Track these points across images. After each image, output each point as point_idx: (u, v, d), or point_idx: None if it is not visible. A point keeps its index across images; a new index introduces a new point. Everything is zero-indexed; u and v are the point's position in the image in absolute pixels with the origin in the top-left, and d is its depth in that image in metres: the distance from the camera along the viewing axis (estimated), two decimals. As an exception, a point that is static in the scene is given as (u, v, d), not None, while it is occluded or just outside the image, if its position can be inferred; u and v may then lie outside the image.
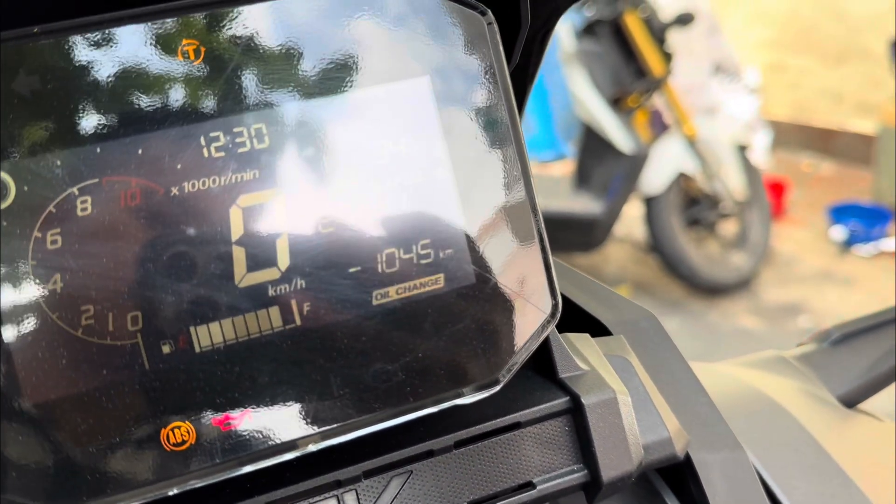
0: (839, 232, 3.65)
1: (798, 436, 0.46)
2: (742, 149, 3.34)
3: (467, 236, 0.34)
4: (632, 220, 3.49)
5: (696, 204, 3.26)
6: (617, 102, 3.19)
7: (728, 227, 3.36)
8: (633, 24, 3.12)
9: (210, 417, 0.31)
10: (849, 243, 3.60)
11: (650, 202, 3.15)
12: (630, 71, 3.17)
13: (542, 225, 0.35)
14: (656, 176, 3.12)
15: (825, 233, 3.73)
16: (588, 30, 3.21)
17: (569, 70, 3.25)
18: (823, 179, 4.44)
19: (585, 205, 3.17)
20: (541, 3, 0.39)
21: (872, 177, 4.01)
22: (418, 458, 0.35)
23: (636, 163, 3.10)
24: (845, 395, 0.54)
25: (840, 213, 3.73)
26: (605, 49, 3.18)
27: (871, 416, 0.54)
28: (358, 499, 0.35)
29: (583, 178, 3.32)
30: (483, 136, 0.35)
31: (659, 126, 3.20)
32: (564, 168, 3.78)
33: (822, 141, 4.73)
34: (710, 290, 3.21)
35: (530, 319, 0.35)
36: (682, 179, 3.20)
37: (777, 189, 3.91)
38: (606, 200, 3.15)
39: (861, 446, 0.49)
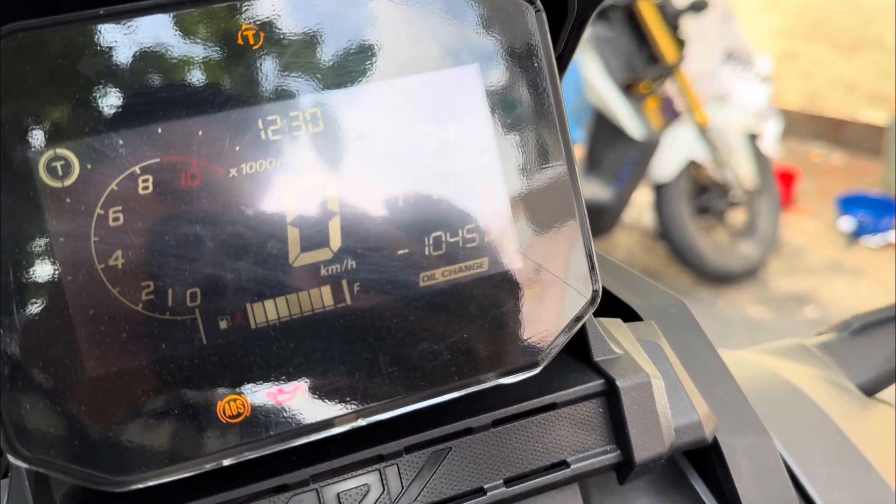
0: (848, 223, 3.65)
1: (820, 422, 0.47)
2: (753, 137, 3.33)
3: (512, 221, 0.35)
4: (641, 206, 3.49)
5: (705, 192, 3.26)
6: (629, 88, 3.18)
7: (737, 216, 3.36)
8: (647, 10, 3.11)
9: (264, 391, 0.32)
10: (857, 234, 3.60)
11: (660, 189, 3.15)
12: (643, 57, 3.16)
13: (585, 213, 0.36)
14: (667, 163, 3.12)
15: (834, 223, 3.72)
16: (601, 15, 3.20)
17: (581, 55, 3.24)
18: (833, 170, 4.43)
19: (595, 190, 3.17)
20: (584, -8, 0.40)
21: (882, 168, 4.00)
22: (457, 436, 0.36)
23: (647, 149, 3.09)
24: (864, 383, 0.55)
25: (849, 204, 3.73)
26: (618, 34, 3.17)
27: (889, 404, 0.55)
28: (399, 473, 0.36)
29: (593, 164, 3.32)
30: (529, 124, 0.36)
31: (670, 113, 3.19)
32: (575, 153, 3.77)
33: (833, 131, 4.72)
34: (718, 278, 3.21)
35: (571, 304, 0.36)
36: (692, 167, 3.20)
37: (787, 178, 3.90)
38: (616, 186, 3.15)
39: (880, 434, 0.50)
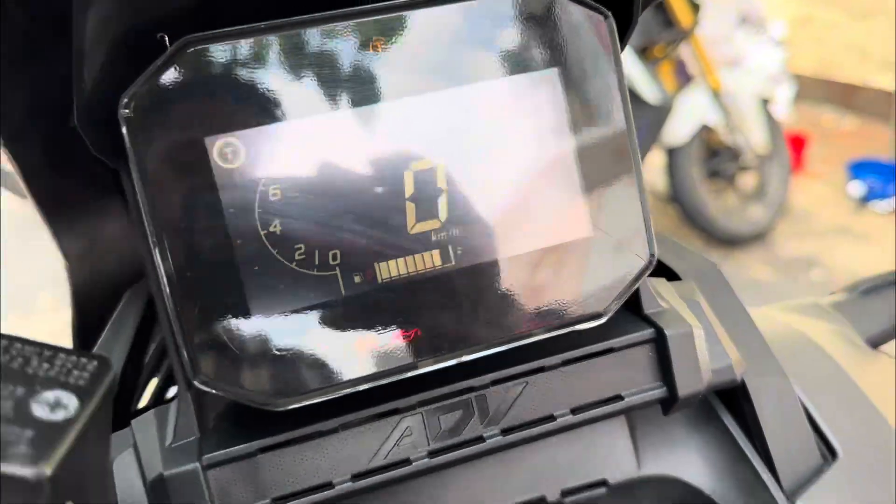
0: (857, 188, 3.70)
1: (832, 369, 0.55)
2: (765, 102, 3.37)
3: (586, 199, 0.43)
4: (654, 170, 3.55)
5: (717, 156, 3.31)
6: (643, 52, 3.21)
7: (747, 180, 3.41)
8: (663, -26, 3.12)
9: (390, 332, 0.40)
10: (866, 199, 3.65)
11: (672, 153, 3.20)
12: (658, 21, 3.18)
13: (645, 189, 0.43)
14: (680, 127, 3.17)
15: (843, 188, 3.78)
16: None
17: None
18: (844, 134, 4.47)
19: (608, 154, 3.22)
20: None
21: (892, 134, 4.04)
22: (533, 373, 0.44)
23: (661, 113, 3.13)
24: (871, 337, 0.62)
25: (859, 169, 3.77)
26: (634, -2, 3.18)
27: (891, 356, 0.63)
28: (487, 402, 0.44)
29: (607, 128, 3.35)
30: (601, 118, 0.43)
31: (684, 77, 3.22)
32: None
33: (845, 96, 4.74)
34: (727, 241, 3.28)
35: (631, 266, 0.44)
36: (705, 131, 3.24)
37: (798, 143, 3.95)
38: (630, 150, 3.20)
39: (883, 381, 0.58)
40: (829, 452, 0.50)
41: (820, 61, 4.91)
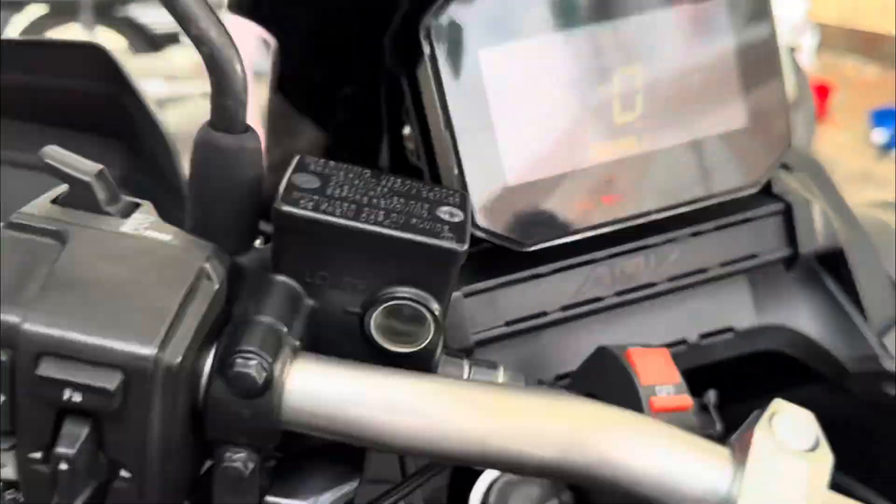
0: (880, 135, 3.80)
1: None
2: (790, 50, 3.45)
3: (744, 96, 0.57)
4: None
5: (744, 104, 3.40)
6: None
7: (774, 128, 3.50)
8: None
9: (619, 195, 0.54)
10: (889, 146, 3.76)
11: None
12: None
13: (786, 91, 0.57)
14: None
15: (866, 136, 3.88)
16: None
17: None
18: (867, 83, 4.55)
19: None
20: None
21: (916, 82, 4.12)
22: (693, 236, 0.59)
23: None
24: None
25: (882, 117, 3.87)
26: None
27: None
28: (657, 257, 0.58)
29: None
30: (755, 32, 0.56)
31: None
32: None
33: (868, 45, 4.81)
34: (754, 186, 3.39)
35: (774, 150, 0.58)
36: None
37: (822, 92, 4.03)
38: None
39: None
40: (907, 306, 0.64)
41: (842, 10, 4.96)
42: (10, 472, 0.34)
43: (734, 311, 0.64)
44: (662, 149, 0.55)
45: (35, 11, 3.84)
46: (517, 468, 0.40)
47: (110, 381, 0.30)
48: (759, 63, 0.57)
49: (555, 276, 0.56)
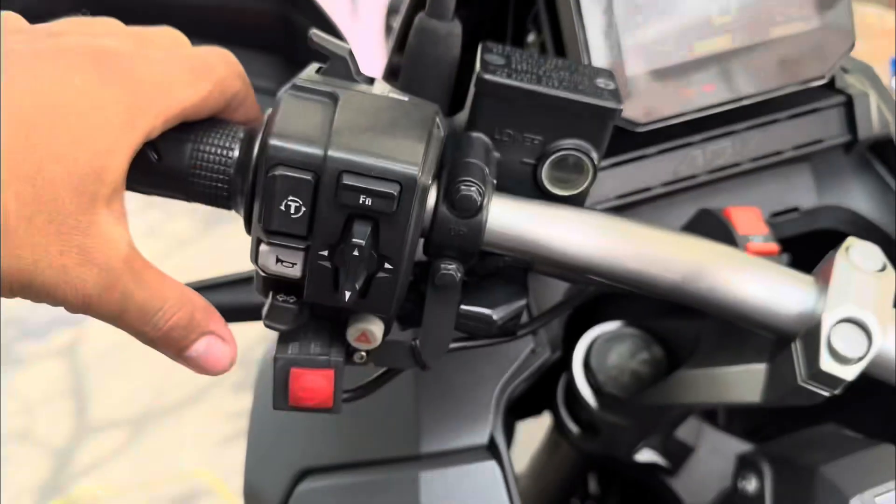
0: (901, 82, 3.86)
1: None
2: None
3: (817, 6, 0.67)
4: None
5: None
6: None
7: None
8: None
9: (715, 84, 0.65)
10: (909, 92, 3.82)
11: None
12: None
13: (850, 2, 0.67)
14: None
15: (888, 83, 3.93)
16: None
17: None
18: (888, 31, 4.59)
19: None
20: None
21: (937, 29, 4.16)
22: (769, 123, 0.70)
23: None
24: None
25: (902, 64, 3.93)
26: None
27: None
28: (741, 141, 0.69)
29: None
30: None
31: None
32: None
33: (888, -6, 4.83)
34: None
35: (842, 47, 0.68)
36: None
37: (842, 40, 4.09)
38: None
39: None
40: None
41: (863, -40, 4.97)
42: (296, 271, 0.45)
43: (799, 193, 0.76)
44: (750, 45, 0.66)
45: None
46: (649, 288, 0.51)
47: (392, 188, 0.42)
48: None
49: (657, 157, 0.67)
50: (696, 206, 0.70)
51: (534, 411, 0.97)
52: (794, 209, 0.75)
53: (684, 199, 0.71)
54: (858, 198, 0.76)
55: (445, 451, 0.63)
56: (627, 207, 0.68)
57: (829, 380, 0.46)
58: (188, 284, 0.45)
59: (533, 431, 1.06)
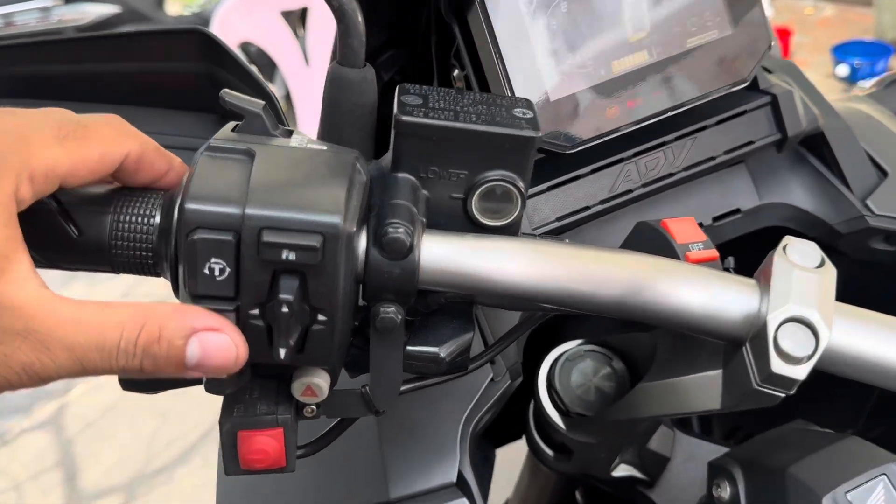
0: (844, 70, 3.95)
1: (875, 124, 0.81)
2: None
3: (728, 8, 0.68)
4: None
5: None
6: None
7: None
8: None
9: (639, 99, 0.66)
10: (853, 79, 3.91)
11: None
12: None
13: (762, 5, 0.69)
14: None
15: (831, 72, 4.03)
16: None
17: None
18: (826, 21, 4.70)
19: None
20: None
21: (874, 15, 4.28)
22: (699, 130, 0.71)
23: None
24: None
25: (843, 52, 4.02)
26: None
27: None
28: (672, 152, 0.70)
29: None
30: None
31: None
32: None
33: (822, -14, 4.94)
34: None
35: (757, 50, 0.70)
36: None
37: (782, 35, 4.18)
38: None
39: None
40: (882, 173, 0.77)
41: (794, -44, 5.10)
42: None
43: (739, 195, 0.77)
44: (668, 58, 0.67)
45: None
46: (591, 307, 0.51)
47: (314, 240, 0.42)
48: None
49: (592, 175, 0.68)
50: (636, 219, 0.71)
51: (512, 437, 0.96)
52: (736, 211, 0.76)
53: (624, 213, 0.71)
54: (797, 193, 0.78)
55: (415, 494, 0.62)
56: (568, 228, 0.68)
57: (782, 381, 0.46)
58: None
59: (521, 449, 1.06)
